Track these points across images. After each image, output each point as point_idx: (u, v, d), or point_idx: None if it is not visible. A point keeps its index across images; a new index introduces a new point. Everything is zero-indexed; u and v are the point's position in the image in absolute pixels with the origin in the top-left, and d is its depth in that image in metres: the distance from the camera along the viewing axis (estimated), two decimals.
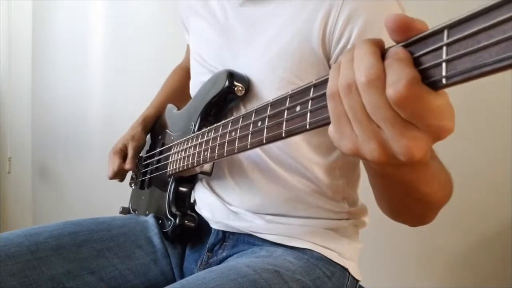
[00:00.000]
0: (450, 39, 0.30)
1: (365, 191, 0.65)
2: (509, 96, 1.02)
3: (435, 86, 0.32)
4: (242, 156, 0.75)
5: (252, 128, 0.53)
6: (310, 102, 0.43)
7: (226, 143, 0.60)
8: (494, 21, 0.27)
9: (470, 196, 1.11)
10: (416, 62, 0.32)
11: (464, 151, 1.11)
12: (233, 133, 0.58)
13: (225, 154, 0.60)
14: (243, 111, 0.74)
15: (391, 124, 0.33)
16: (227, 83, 0.72)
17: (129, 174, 1.03)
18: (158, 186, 0.90)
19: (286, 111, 0.47)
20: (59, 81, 2.41)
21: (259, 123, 0.51)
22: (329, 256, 0.72)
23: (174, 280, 0.81)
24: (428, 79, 0.32)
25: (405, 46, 0.33)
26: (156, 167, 0.92)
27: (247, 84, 0.72)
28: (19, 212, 2.64)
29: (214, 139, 0.64)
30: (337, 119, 0.37)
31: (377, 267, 1.21)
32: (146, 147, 1.01)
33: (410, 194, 0.49)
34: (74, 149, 2.32)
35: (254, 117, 0.53)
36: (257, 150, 0.73)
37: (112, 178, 0.97)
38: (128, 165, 0.94)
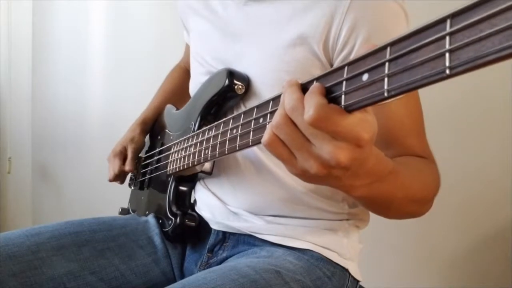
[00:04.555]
0: (454, 28, 0.30)
1: None
2: (509, 96, 1.03)
3: (348, 108, 0.40)
4: (239, 155, 0.75)
5: (254, 125, 0.52)
6: None
7: (227, 141, 0.59)
8: (496, 9, 0.28)
9: (470, 196, 1.11)
10: (328, 91, 0.41)
11: (463, 151, 1.11)
12: (234, 131, 0.57)
13: (226, 152, 0.60)
14: (243, 109, 0.74)
15: (315, 137, 0.42)
16: (227, 81, 0.72)
17: (129, 176, 1.03)
18: (158, 186, 0.90)
19: None
20: (59, 81, 2.41)
21: (261, 120, 0.51)
22: (329, 257, 0.72)
23: (174, 281, 0.81)
24: (339, 103, 0.40)
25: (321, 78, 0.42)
26: (156, 167, 0.92)
27: (247, 82, 0.72)
28: (19, 212, 2.64)
29: (215, 137, 0.63)
30: (281, 152, 0.46)
31: (377, 267, 1.21)
32: (145, 147, 1.01)
33: (390, 203, 0.56)
34: (74, 149, 2.32)
35: (255, 114, 0.52)
36: (255, 149, 0.73)
37: (112, 180, 0.98)
38: (127, 166, 0.95)
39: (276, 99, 0.49)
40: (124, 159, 0.97)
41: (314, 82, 0.43)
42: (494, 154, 1.08)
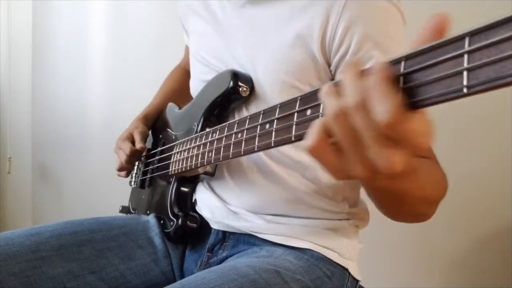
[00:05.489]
0: (473, 47, 0.29)
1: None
2: (509, 96, 1.03)
3: (416, 105, 0.33)
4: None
5: (260, 131, 0.51)
6: (321, 106, 0.42)
7: (232, 145, 0.58)
8: None
9: (470, 196, 1.11)
10: (405, 79, 0.34)
11: (463, 151, 1.11)
12: (239, 135, 0.56)
13: (230, 156, 0.59)
14: (244, 112, 0.74)
15: (379, 141, 0.35)
16: (231, 83, 0.71)
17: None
18: (159, 186, 0.90)
19: (296, 114, 0.46)
20: (59, 81, 2.41)
21: (267, 126, 0.50)
22: (329, 256, 0.72)
23: (174, 280, 0.81)
24: (412, 98, 0.33)
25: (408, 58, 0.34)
26: (157, 167, 0.91)
27: (251, 84, 0.72)
28: (19, 212, 2.65)
29: (219, 140, 0.63)
30: (329, 160, 0.39)
31: (377, 267, 1.21)
32: (147, 145, 1.01)
33: (404, 200, 0.52)
34: (74, 149, 2.32)
35: (261, 119, 0.51)
36: None
37: (124, 166, 0.93)
38: (139, 144, 0.91)
39: (284, 106, 0.48)
40: (132, 143, 0.93)
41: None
42: (494, 154, 1.08)
